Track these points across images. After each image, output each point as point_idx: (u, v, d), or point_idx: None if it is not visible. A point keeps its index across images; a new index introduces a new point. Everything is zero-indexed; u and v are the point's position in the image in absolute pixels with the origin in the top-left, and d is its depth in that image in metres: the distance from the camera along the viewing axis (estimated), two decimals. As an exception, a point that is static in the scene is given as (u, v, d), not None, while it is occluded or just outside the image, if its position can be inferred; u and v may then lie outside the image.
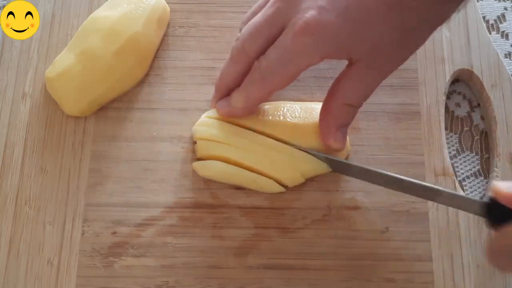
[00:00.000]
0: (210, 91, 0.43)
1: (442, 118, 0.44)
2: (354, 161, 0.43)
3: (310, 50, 0.34)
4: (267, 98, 0.39)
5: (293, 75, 0.36)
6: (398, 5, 0.33)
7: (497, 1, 0.49)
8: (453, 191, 0.38)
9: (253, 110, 0.41)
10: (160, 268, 0.40)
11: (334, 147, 0.39)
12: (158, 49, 0.46)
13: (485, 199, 0.34)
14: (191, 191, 0.42)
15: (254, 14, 0.39)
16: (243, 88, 0.39)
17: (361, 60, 0.35)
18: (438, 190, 0.37)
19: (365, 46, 0.34)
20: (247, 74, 0.38)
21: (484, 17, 0.48)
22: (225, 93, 0.41)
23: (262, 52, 0.37)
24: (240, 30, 0.39)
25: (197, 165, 0.42)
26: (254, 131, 0.41)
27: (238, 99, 0.39)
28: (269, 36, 0.36)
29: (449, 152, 0.44)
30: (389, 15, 0.33)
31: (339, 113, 0.38)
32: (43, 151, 0.43)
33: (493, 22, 0.49)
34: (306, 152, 0.40)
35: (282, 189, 0.41)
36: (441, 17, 0.36)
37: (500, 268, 0.34)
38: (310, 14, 0.33)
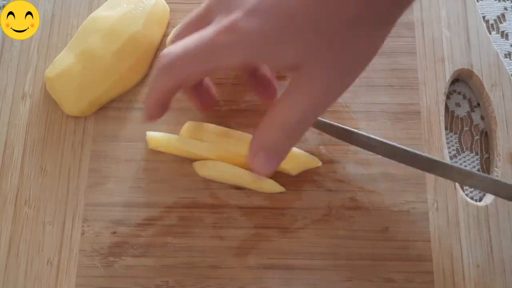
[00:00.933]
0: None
1: (442, 118, 0.44)
2: (354, 161, 0.43)
3: (232, 47, 0.31)
4: (166, 98, 0.34)
5: (204, 69, 0.32)
6: (320, 4, 0.30)
7: (497, 1, 0.49)
8: (485, 175, 0.38)
9: (159, 107, 0.36)
10: (160, 268, 0.40)
11: (253, 169, 0.34)
12: (158, 49, 0.46)
13: None
14: (191, 191, 0.42)
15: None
16: (153, 81, 0.34)
17: (295, 72, 0.31)
18: (470, 173, 0.36)
19: (290, 53, 0.31)
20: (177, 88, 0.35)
21: (484, 17, 0.48)
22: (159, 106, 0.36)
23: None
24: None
25: (197, 165, 0.42)
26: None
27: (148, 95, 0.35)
28: (196, 29, 0.33)
29: (449, 152, 0.44)
30: (316, 18, 0.30)
31: (264, 132, 0.33)
32: (43, 151, 0.43)
33: (493, 22, 0.49)
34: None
35: (282, 189, 0.41)
36: (374, 19, 0.31)
37: None
38: (236, 15, 0.30)
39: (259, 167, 0.33)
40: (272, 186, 0.41)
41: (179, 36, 0.35)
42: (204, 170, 0.41)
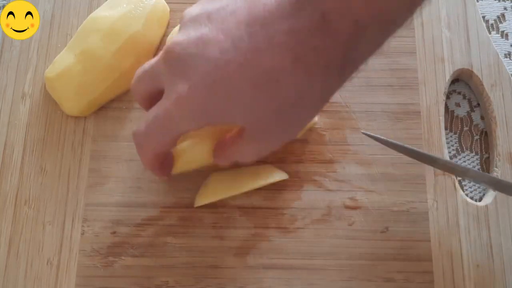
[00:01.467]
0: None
1: (442, 118, 0.44)
2: (354, 161, 0.43)
3: (181, 121, 0.34)
4: (156, 159, 0.38)
5: (169, 142, 0.36)
6: (263, 85, 0.31)
7: (497, 1, 0.49)
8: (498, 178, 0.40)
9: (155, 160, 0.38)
10: (160, 268, 0.40)
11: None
12: (158, 49, 0.46)
13: None
14: (191, 191, 0.42)
15: None
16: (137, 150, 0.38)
17: (244, 129, 0.34)
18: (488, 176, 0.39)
19: (240, 119, 0.33)
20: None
21: (484, 17, 0.48)
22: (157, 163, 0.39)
23: (147, 96, 0.37)
24: None
25: (199, 199, 0.42)
26: None
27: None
28: (152, 86, 0.36)
29: (449, 152, 0.44)
30: (255, 95, 0.32)
31: (225, 162, 0.38)
32: (43, 151, 0.43)
33: (493, 22, 0.49)
34: None
35: (285, 175, 0.42)
36: (318, 95, 0.33)
37: None
38: (182, 87, 0.32)
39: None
40: (274, 174, 0.42)
41: (136, 90, 0.38)
42: (207, 197, 0.41)
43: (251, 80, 0.31)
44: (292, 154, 0.43)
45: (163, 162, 0.39)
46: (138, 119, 0.44)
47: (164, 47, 0.34)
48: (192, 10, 0.34)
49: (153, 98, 0.36)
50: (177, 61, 0.33)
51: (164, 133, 0.35)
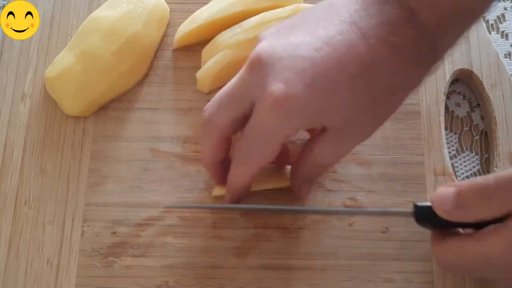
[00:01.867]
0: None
1: (442, 118, 0.44)
2: (354, 161, 0.43)
3: (282, 124, 0.33)
4: (257, 174, 0.37)
5: (273, 150, 0.35)
6: (363, 75, 0.32)
7: (497, 1, 0.49)
8: (374, 209, 0.42)
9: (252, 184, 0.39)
10: (160, 268, 0.40)
11: (301, 198, 0.41)
12: (158, 49, 0.46)
13: (413, 209, 0.36)
14: (191, 191, 0.42)
15: None
16: (233, 171, 0.37)
17: (334, 128, 0.34)
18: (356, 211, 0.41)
19: (335, 116, 0.33)
20: (223, 144, 0.37)
21: (484, 17, 0.48)
22: (214, 169, 0.39)
23: (232, 124, 0.36)
24: None
25: (218, 189, 0.41)
26: None
27: (233, 183, 0.38)
28: (238, 110, 0.35)
29: (449, 152, 0.44)
30: (355, 86, 0.32)
31: (308, 172, 0.39)
32: (43, 151, 0.43)
33: (493, 22, 0.49)
34: None
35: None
36: (414, 80, 0.35)
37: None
38: (276, 87, 0.32)
39: (305, 195, 0.41)
40: None
41: (217, 122, 0.36)
42: None
43: (349, 73, 0.32)
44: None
45: (257, 175, 0.38)
46: (138, 119, 0.44)
47: (248, 60, 0.33)
48: (269, 29, 0.35)
49: (236, 128, 0.36)
50: (267, 65, 0.32)
51: (266, 144, 0.34)
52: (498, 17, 0.49)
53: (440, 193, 0.33)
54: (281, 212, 0.42)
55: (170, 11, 0.47)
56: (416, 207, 0.36)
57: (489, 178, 0.32)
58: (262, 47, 0.33)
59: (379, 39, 0.32)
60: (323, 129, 0.35)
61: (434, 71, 0.35)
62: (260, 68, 0.33)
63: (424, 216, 0.35)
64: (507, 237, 0.31)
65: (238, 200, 0.40)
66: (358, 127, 0.35)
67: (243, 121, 0.35)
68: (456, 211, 0.33)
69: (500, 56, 0.46)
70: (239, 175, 0.37)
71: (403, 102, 0.35)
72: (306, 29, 0.33)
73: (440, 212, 0.33)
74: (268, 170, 0.40)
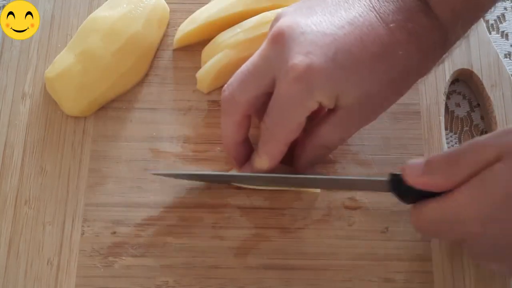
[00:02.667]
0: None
1: (442, 118, 0.44)
2: (354, 161, 0.43)
3: (304, 96, 0.34)
4: (286, 149, 0.37)
5: (299, 123, 0.36)
6: (383, 56, 0.33)
7: (502, -2, 0.49)
8: (355, 177, 0.41)
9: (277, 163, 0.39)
10: (160, 268, 0.40)
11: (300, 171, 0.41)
12: (158, 49, 0.46)
13: (388, 177, 0.36)
14: (191, 191, 0.42)
15: None
16: (261, 150, 0.38)
17: (345, 108, 0.35)
18: (337, 180, 0.41)
19: (352, 94, 0.34)
20: (245, 122, 0.38)
21: (484, 17, 0.48)
22: (235, 149, 0.40)
23: (254, 101, 0.36)
24: None
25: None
26: None
27: (260, 162, 0.38)
28: (259, 85, 0.36)
29: (449, 152, 0.44)
30: (376, 65, 0.33)
31: (313, 153, 0.39)
32: (43, 151, 0.43)
33: (493, 22, 0.49)
34: None
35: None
36: (425, 68, 0.36)
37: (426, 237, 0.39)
38: (299, 60, 0.33)
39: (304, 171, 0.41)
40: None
41: (239, 101, 0.36)
42: None
43: (370, 52, 0.33)
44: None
45: (283, 154, 0.38)
46: (138, 119, 0.44)
47: (269, 35, 0.34)
48: (288, 7, 0.36)
49: (257, 106, 0.36)
50: (289, 40, 0.33)
51: (290, 117, 0.35)
52: (498, 17, 0.49)
53: (410, 162, 0.35)
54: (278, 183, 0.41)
55: (170, 11, 0.47)
56: (391, 175, 0.36)
57: (456, 146, 0.34)
58: (284, 22, 0.34)
59: (397, 24, 0.33)
60: (332, 111, 0.36)
61: (442, 62, 0.37)
62: (282, 42, 0.34)
63: (399, 184, 0.35)
64: (470, 191, 0.32)
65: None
66: (367, 108, 0.36)
67: (264, 99, 0.36)
68: (424, 177, 0.34)
69: (500, 56, 0.46)
70: (266, 152, 0.37)
71: (403, 95, 0.37)
72: (327, 9, 0.34)
73: (409, 179, 0.34)
74: (280, 171, 0.40)
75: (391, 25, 0.33)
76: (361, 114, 0.36)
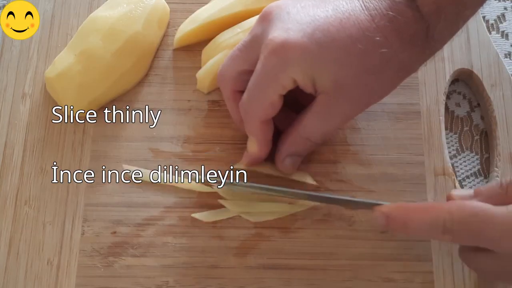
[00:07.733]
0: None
1: (442, 118, 0.44)
2: (354, 161, 0.43)
3: (278, 70, 0.35)
4: (265, 129, 0.38)
5: (271, 102, 0.36)
6: (360, 39, 0.34)
7: (497, 1, 0.49)
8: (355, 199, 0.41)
9: (268, 148, 0.40)
10: (160, 268, 0.40)
11: (281, 170, 0.41)
12: (158, 49, 0.46)
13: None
14: (191, 191, 0.42)
15: None
16: (247, 132, 0.39)
17: (323, 93, 0.35)
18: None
19: (327, 76, 0.35)
20: (238, 97, 0.39)
21: (484, 17, 0.48)
22: (242, 126, 0.40)
23: (240, 76, 0.38)
24: None
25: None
26: None
27: (250, 146, 0.40)
28: (244, 61, 0.37)
29: (449, 152, 0.44)
30: (352, 46, 0.34)
31: (292, 143, 0.39)
32: (43, 151, 0.43)
33: (493, 22, 0.49)
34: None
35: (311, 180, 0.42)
36: (409, 61, 0.36)
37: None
38: (277, 33, 0.34)
39: (286, 169, 0.41)
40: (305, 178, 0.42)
41: (227, 71, 0.38)
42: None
43: (348, 33, 0.34)
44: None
45: (267, 133, 0.39)
46: (138, 119, 0.44)
47: (260, 14, 0.36)
48: None
49: (244, 82, 0.37)
50: (275, 18, 0.35)
51: (264, 93, 0.36)
52: (498, 17, 0.49)
53: (376, 210, 0.36)
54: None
55: (170, 11, 0.47)
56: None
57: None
58: (275, 3, 0.36)
59: (379, 11, 0.34)
60: (314, 100, 0.36)
61: (428, 59, 0.37)
62: (268, 20, 0.36)
63: None
64: (503, 226, 0.32)
65: (267, 145, 0.40)
66: (347, 97, 0.36)
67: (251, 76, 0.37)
68: (390, 229, 0.37)
69: (500, 56, 0.46)
70: (248, 131, 0.39)
71: (396, 85, 0.37)
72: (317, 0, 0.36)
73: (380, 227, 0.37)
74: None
75: (373, 12, 0.34)
76: (340, 103, 0.36)
